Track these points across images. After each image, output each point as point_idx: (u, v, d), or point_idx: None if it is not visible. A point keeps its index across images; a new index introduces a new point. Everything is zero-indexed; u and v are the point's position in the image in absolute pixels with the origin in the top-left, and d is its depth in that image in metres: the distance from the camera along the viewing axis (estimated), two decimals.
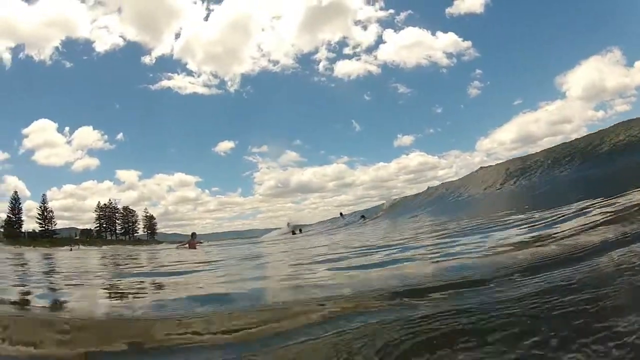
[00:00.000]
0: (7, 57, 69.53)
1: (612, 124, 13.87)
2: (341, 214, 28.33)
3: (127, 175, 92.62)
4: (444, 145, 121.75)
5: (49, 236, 62.10)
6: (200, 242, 13.99)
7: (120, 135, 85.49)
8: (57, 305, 2.54)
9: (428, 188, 23.88)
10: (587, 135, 14.88)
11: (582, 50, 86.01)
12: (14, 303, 2.61)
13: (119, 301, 2.75)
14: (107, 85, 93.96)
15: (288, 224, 33.27)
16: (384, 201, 28.94)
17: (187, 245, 12.85)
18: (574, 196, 6.04)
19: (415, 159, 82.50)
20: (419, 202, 21.86)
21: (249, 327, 1.71)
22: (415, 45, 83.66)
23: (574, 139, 15.44)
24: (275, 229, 37.83)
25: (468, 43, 73.22)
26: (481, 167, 20.44)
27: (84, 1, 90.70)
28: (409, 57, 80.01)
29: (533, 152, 16.84)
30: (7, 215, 61.46)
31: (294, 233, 26.15)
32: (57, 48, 74.02)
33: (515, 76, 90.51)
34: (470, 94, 79.96)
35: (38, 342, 1.71)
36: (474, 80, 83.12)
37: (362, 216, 26.93)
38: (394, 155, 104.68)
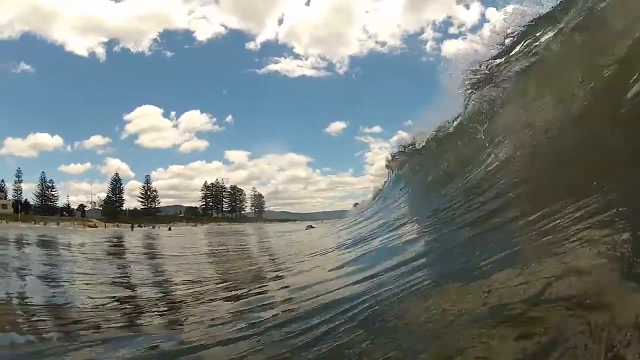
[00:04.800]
0: (100, 51, 74.69)
1: None
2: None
3: (237, 155, 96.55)
4: None
5: (151, 214, 66.75)
6: None
7: (229, 118, 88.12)
8: None
9: None
10: None
11: None
12: None
13: None
14: (213, 71, 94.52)
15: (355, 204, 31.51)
16: None
17: None
18: None
19: None
20: None
21: None
22: None
23: None
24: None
25: None
26: None
27: None
28: None
29: None
30: (107, 195, 67.21)
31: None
32: (155, 40, 77.34)
33: None
34: None
35: None
36: None
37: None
38: None
